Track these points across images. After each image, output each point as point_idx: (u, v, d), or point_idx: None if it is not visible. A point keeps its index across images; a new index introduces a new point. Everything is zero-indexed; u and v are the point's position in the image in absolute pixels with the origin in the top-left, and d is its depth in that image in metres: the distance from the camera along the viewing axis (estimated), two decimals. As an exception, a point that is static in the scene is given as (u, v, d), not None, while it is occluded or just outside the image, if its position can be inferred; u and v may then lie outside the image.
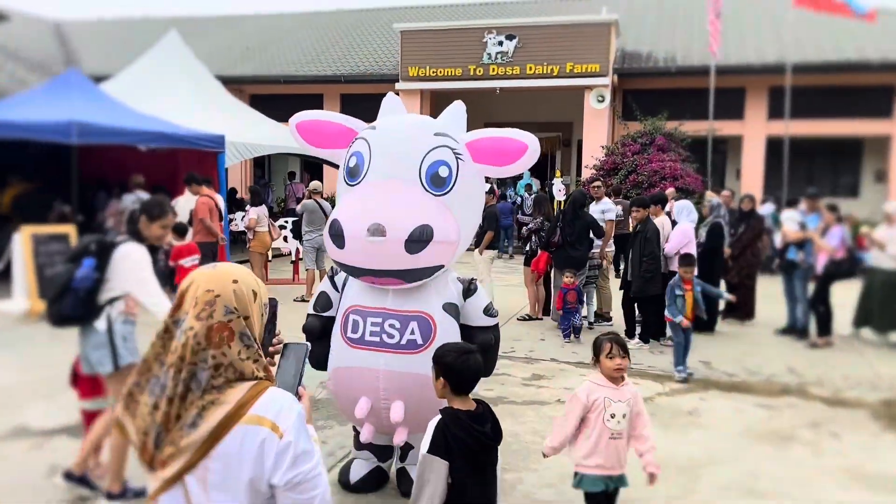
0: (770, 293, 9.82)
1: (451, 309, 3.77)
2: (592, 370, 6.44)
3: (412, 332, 3.61)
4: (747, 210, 9.05)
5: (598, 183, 9.15)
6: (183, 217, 8.95)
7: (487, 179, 20.52)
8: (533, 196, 9.93)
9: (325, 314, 3.90)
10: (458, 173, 3.60)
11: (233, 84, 20.92)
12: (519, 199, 17.10)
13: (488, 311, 3.90)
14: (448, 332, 3.70)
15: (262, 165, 23.46)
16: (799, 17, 18.92)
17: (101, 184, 11.99)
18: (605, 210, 9.06)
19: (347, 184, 3.63)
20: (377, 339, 3.62)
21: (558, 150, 21.44)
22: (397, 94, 19.27)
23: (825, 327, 8.04)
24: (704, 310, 6.63)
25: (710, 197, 8.91)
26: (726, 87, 17.54)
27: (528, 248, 9.00)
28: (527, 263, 8.98)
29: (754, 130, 18.34)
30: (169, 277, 9.03)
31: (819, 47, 17.71)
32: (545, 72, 17.84)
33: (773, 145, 18.01)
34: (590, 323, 8.45)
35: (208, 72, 15.29)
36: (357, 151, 3.64)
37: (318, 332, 3.86)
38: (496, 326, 3.96)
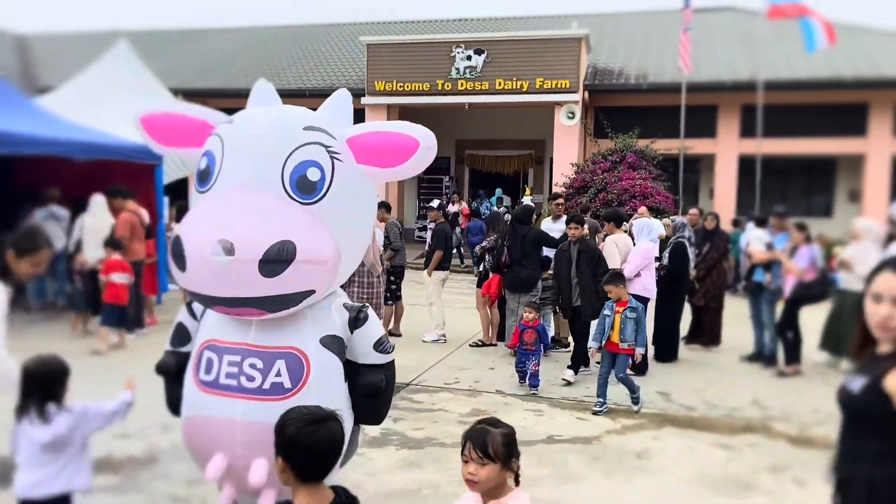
0: (740, 315, 9.28)
1: (333, 343, 3.13)
2: (542, 404, 5.77)
3: (278, 374, 2.97)
4: (711, 228, 8.51)
5: (560, 200, 8.57)
6: (102, 233, 8.29)
7: (445, 192, 19.97)
8: (489, 213, 9.33)
9: (182, 349, 3.24)
10: (333, 176, 2.97)
11: (196, 98, 20.32)
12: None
13: (381, 345, 3.26)
14: (327, 373, 3.06)
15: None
16: (772, 35, 18.69)
17: (32, 197, 11.22)
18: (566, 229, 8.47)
19: (198, 191, 2.99)
20: (234, 381, 2.96)
21: (531, 167, 20.98)
22: (363, 108, 18.79)
23: (793, 354, 7.48)
24: (643, 340, 5.89)
25: (674, 216, 8.35)
26: (698, 105, 17.19)
27: (480, 269, 8.38)
28: (479, 285, 8.36)
29: (727, 149, 17.97)
30: (94, 293, 8.36)
31: (792, 64, 17.41)
32: (514, 87, 17.40)
33: (747, 164, 17.63)
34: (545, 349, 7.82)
35: (160, 84, 14.62)
36: (208, 151, 3.01)
37: (175, 372, 3.20)
38: (390, 365, 3.33)
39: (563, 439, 5.28)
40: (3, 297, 3.26)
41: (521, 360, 6.55)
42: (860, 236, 7.56)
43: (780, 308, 7.80)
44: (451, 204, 17.84)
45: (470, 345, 8.44)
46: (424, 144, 3.06)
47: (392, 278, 8.53)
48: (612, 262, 7.43)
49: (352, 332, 3.20)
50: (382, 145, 3.08)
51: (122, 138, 10.41)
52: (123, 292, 7.64)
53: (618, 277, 6.01)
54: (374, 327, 3.27)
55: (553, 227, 8.48)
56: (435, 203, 8.57)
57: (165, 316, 9.35)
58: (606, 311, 5.93)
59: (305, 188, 2.92)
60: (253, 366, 2.97)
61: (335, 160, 2.99)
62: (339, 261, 3.01)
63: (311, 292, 2.93)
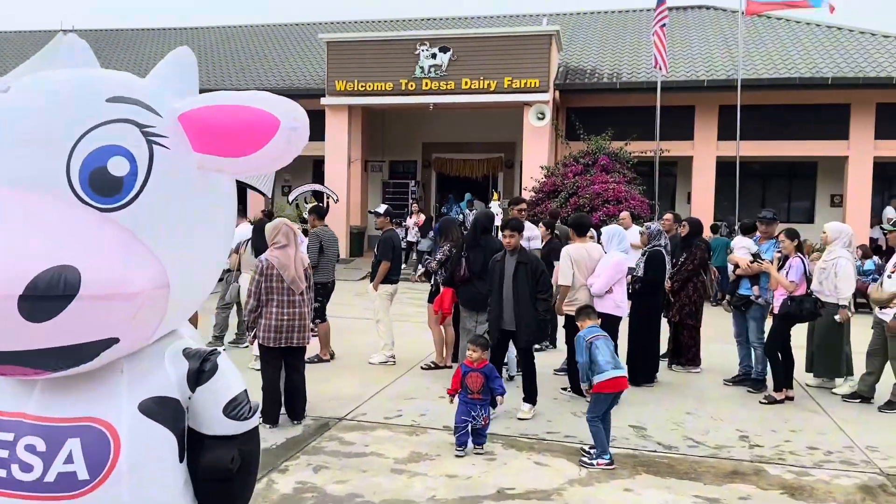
0: (722, 332, 8.49)
1: (162, 408, 2.15)
2: (496, 443, 4.85)
3: (68, 460, 2.00)
4: (684, 235, 7.67)
5: (522, 206, 7.70)
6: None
7: (412, 197, 18.88)
8: (441, 220, 8.38)
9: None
10: (151, 169, 2.01)
11: (147, 98, 19.18)
12: (461, 217, 15.58)
13: (235, 408, 2.29)
14: (148, 453, 2.09)
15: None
16: (750, 34, 18.09)
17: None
18: (530, 237, 7.61)
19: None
20: (2, 472, 1.99)
21: (500, 171, 20.15)
22: (322, 109, 17.83)
23: (784, 378, 6.64)
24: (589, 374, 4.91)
25: (649, 223, 7.51)
26: (674, 106, 16.49)
27: (432, 282, 7.46)
28: (431, 300, 7.43)
29: (704, 151, 17.27)
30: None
31: (771, 64, 16.77)
32: (482, 87, 16.55)
33: (725, 167, 16.96)
34: (510, 376, 6.91)
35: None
36: (-41, 133, 2.03)
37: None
38: (248, 436, 2.37)
39: (516, 493, 4.36)
40: None
41: (463, 416, 4.92)
42: (831, 240, 6.86)
43: (766, 325, 7.01)
44: (409, 216, 16.90)
45: (421, 367, 7.51)
46: (287, 124, 2.08)
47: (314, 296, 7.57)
48: (563, 278, 6.49)
49: (193, 391, 2.24)
50: (228, 125, 2.11)
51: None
52: None
53: (580, 313, 5.21)
54: (227, 382, 2.29)
55: (516, 235, 7.59)
56: (381, 208, 7.63)
57: None
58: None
59: (105, 187, 1.94)
60: (31, 448, 2.00)
61: (155, 145, 2.03)
62: (166, 292, 2.05)
63: (113, 341, 1.96)
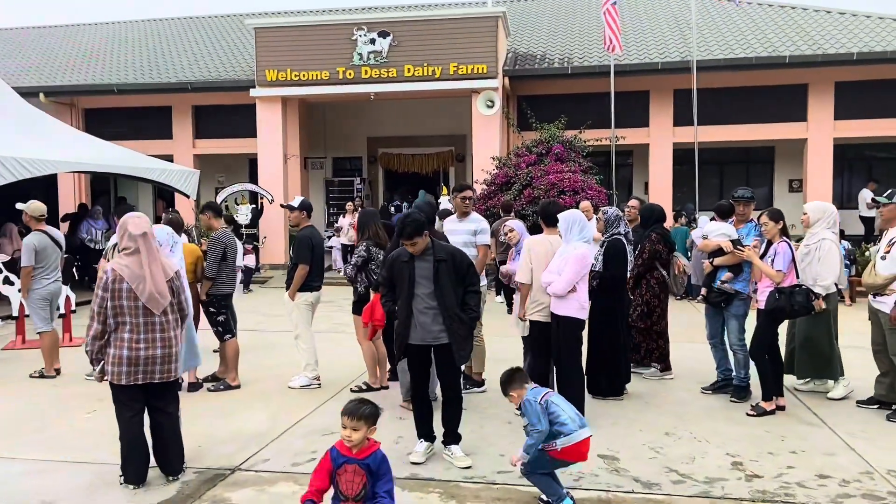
0: (688, 329, 7.52)
1: None
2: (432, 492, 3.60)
3: None
4: (631, 218, 6.56)
5: (468, 193, 6.54)
6: None
7: (357, 195, 17.45)
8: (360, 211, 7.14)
9: None
10: None
11: (63, 95, 17.57)
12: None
13: None
14: None
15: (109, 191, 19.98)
16: (702, 17, 17.35)
17: None
18: (477, 230, 6.46)
19: None
20: None
21: (451, 166, 19.00)
22: (253, 102, 16.46)
23: (774, 384, 5.66)
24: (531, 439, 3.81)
25: (606, 207, 6.42)
26: (628, 91, 15.59)
27: (355, 289, 6.26)
28: (357, 311, 6.23)
29: (660, 138, 16.42)
30: None
31: (726, 45, 16.01)
32: (426, 73, 15.37)
33: (682, 154, 16.16)
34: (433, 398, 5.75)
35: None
36: None
37: None
38: None
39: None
40: None
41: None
42: (812, 222, 5.92)
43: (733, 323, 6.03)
44: (344, 216, 15.59)
45: (351, 390, 6.33)
46: None
47: (212, 310, 6.34)
48: (521, 275, 5.44)
49: None
50: None
51: None
52: None
53: (506, 384, 3.94)
54: None
55: (458, 227, 6.47)
56: (296, 201, 6.39)
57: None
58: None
59: None
60: None
61: None
62: None
63: None
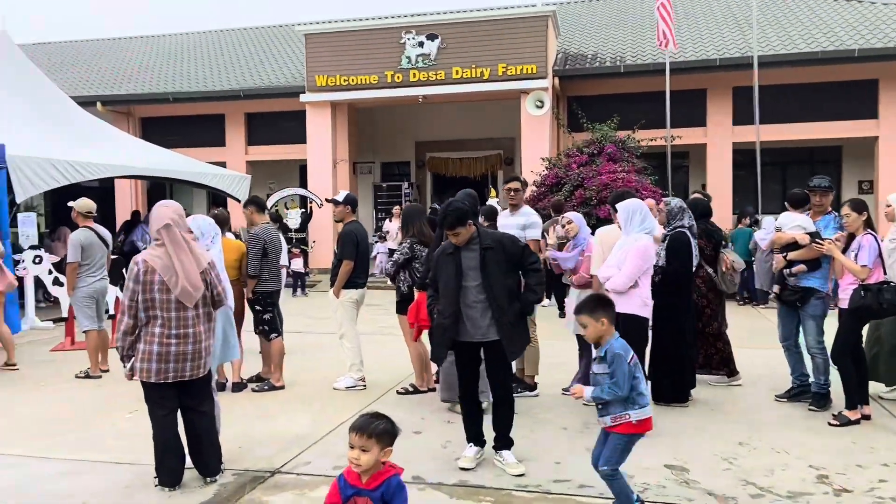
0: (749, 333, 7.03)
1: None
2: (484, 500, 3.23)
3: None
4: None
5: (513, 185, 6.23)
6: None
7: (407, 200, 17.27)
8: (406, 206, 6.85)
9: None
10: None
11: (119, 104, 17.95)
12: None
13: None
14: None
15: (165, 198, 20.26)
16: (761, 12, 16.67)
17: None
18: (526, 224, 6.14)
19: None
20: None
21: (500, 169, 18.69)
22: (303, 109, 16.47)
23: (859, 391, 5.16)
24: (630, 398, 3.38)
25: (670, 197, 5.98)
26: (684, 90, 15.04)
27: (398, 288, 5.99)
28: (402, 311, 5.96)
29: (719, 137, 15.79)
30: None
31: (788, 40, 15.31)
32: (474, 75, 15.15)
33: (741, 154, 15.48)
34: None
35: (44, 78, 12.19)
36: None
37: None
38: None
39: (510, 592, 2.90)
40: None
41: None
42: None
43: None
44: (388, 220, 15.40)
45: (397, 392, 6.06)
46: None
47: (258, 308, 6.16)
48: (595, 268, 5.13)
49: None
50: None
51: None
52: None
53: (593, 305, 3.51)
54: None
55: (508, 221, 6.16)
56: (340, 195, 6.17)
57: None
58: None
59: None
60: None
61: None
62: None
63: None
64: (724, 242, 6.37)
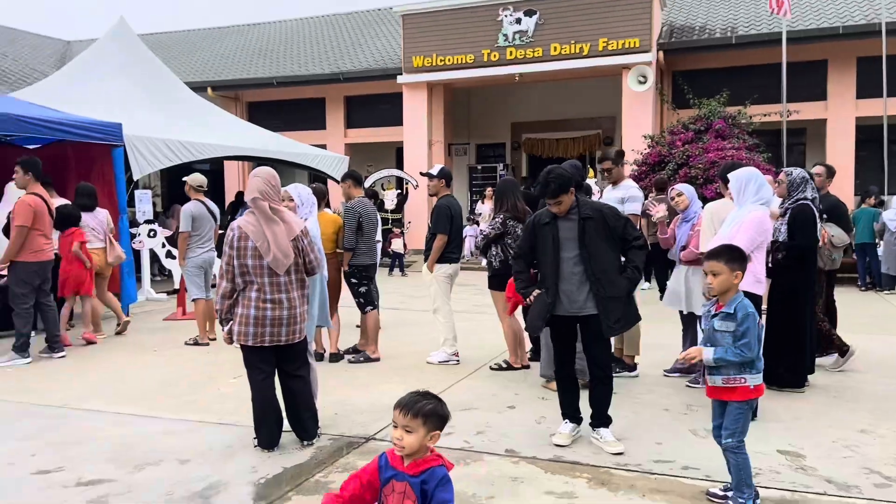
0: (886, 318, 6.47)
1: None
2: (579, 477, 3.08)
3: None
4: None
5: (606, 164, 5.99)
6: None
7: (481, 167, 16.77)
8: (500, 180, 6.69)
9: None
10: None
11: (226, 89, 18.69)
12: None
13: None
14: None
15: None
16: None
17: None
18: (625, 197, 5.89)
19: None
20: None
21: (598, 149, 18.14)
22: (401, 91, 16.57)
23: None
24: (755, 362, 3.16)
25: (790, 168, 5.52)
26: (802, 61, 14.07)
27: (489, 263, 5.86)
28: (494, 286, 5.84)
29: (841, 112, 14.67)
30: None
31: (922, 3, 13.99)
32: (573, 51, 14.76)
33: (866, 130, 14.32)
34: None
35: (160, 64, 12.82)
36: None
37: None
38: None
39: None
40: None
41: None
42: None
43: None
44: (481, 201, 15.23)
45: (490, 367, 5.97)
46: None
47: (353, 281, 6.17)
48: (704, 244, 4.84)
49: None
50: None
51: (76, 116, 8.55)
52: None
53: (731, 254, 3.23)
54: None
55: (609, 196, 5.92)
56: (435, 169, 6.12)
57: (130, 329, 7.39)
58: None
59: None
60: None
61: None
62: None
63: None
64: (823, 216, 5.88)
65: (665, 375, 5.68)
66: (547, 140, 18.42)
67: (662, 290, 10.01)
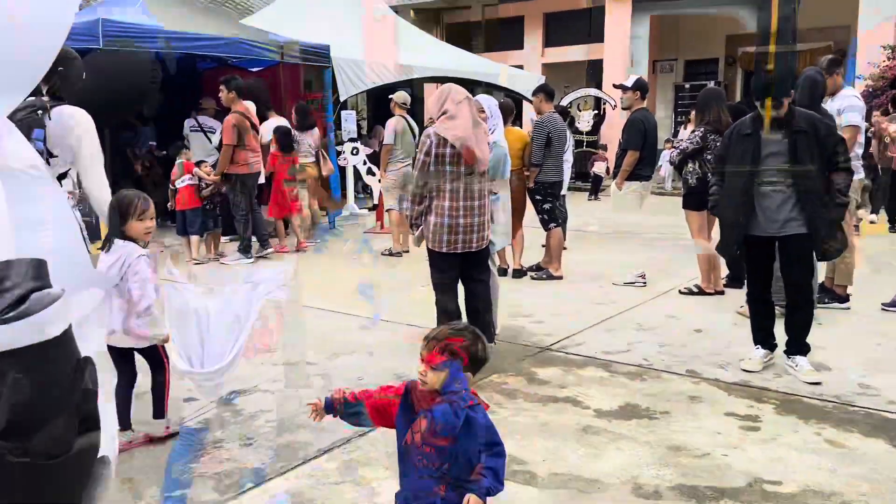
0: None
1: None
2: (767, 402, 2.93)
3: None
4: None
5: (826, 68, 5.26)
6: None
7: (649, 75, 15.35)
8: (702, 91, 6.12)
9: None
10: None
11: (427, 13, 19.00)
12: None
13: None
14: None
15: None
16: None
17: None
18: (842, 108, 5.20)
19: None
20: None
21: (827, 64, 16.09)
22: (603, 2, 15.73)
23: None
24: None
25: None
26: None
27: (685, 180, 5.50)
28: (689, 205, 5.50)
29: None
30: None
31: None
32: (803, -51, 12.96)
33: None
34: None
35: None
36: None
37: None
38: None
39: (783, 493, 2.59)
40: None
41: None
42: None
43: None
44: (683, 127, 14.08)
45: (680, 291, 5.71)
46: None
47: (538, 197, 6.08)
48: None
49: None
50: None
51: (290, 39, 9.20)
52: (189, 196, 7.00)
53: None
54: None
55: (826, 107, 5.25)
56: (629, 80, 5.79)
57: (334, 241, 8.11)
58: None
59: None
60: None
61: None
62: None
63: None
64: None
65: (883, 309, 5.07)
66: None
67: (893, 221, 8.86)
